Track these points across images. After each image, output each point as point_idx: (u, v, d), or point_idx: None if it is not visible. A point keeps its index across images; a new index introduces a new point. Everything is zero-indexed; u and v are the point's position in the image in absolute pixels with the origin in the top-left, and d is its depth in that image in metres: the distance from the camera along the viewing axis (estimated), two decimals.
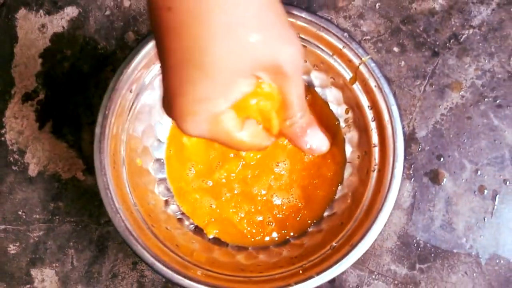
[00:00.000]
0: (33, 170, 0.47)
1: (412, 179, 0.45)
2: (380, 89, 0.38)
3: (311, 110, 0.44)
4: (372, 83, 0.38)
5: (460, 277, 0.44)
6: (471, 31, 0.46)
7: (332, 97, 0.43)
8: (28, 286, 0.46)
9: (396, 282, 0.44)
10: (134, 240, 0.36)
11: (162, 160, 0.44)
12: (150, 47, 0.39)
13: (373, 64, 0.38)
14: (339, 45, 0.38)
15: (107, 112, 0.38)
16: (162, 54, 0.23)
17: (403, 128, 0.38)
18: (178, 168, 0.44)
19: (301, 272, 0.37)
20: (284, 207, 0.43)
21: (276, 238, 0.43)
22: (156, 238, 0.38)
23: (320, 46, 0.40)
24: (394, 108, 0.38)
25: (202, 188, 0.44)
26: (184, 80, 0.23)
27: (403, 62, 0.46)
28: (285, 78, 0.24)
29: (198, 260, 0.39)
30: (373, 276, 0.44)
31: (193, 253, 0.40)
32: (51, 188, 0.47)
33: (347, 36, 0.38)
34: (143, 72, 0.40)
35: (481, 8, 0.46)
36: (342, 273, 0.44)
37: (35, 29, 0.50)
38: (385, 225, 0.37)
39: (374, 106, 0.39)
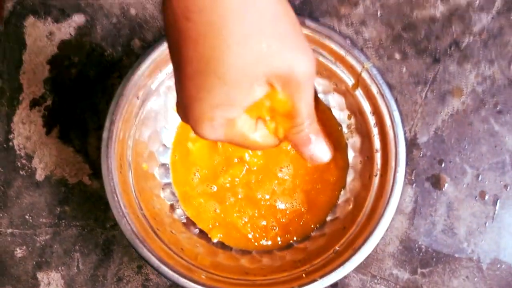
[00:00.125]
0: (40, 175, 0.48)
1: (414, 184, 0.45)
2: (382, 95, 0.38)
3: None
4: (374, 89, 0.39)
5: (462, 282, 0.44)
6: (471, 38, 0.47)
7: (335, 103, 0.44)
8: None
9: (398, 286, 0.44)
10: (140, 244, 0.37)
11: (167, 165, 0.45)
12: (156, 54, 0.40)
13: (375, 71, 0.39)
14: (342, 52, 0.39)
15: (114, 117, 0.39)
16: (179, 62, 0.24)
17: (404, 133, 0.38)
18: (183, 173, 0.45)
19: (304, 275, 0.37)
20: (288, 212, 0.44)
21: (280, 242, 0.43)
22: (161, 241, 0.39)
23: (323, 53, 0.40)
24: (396, 114, 0.38)
25: (207, 193, 0.44)
26: (200, 87, 0.23)
27: (404, 69, 0.47)
28: (297, 87, 0.24)
29: (203, 263, 0.39)
30: (375, 280, 0.44)
31: (197, 256, 0.40)
32: (58, 193, 0.48)
33: (349, 43, 0.39)
34: (150, 79, 0.41)
35: (481, 15, 0.47)
36: (345, 277, 0.44)
37: (43, 37, 0.50)
38: (387, 230, 0.37)
39: (376, 111, 0.39)
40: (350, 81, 0.40)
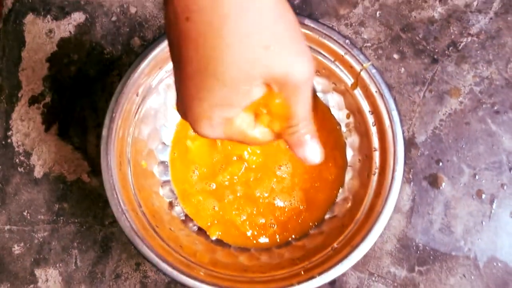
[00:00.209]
0: (38, 172, 0.48)
1: (412, 183, 0.46)
2: (381, 94, 0.39)
3: (313, 115, 0.45)
4: (373, 89, 0.39)
5: (459, 280, 0.44)
6: (469, 39, 0.47)
7: (334, 102, 0.44)
8: (32, 286, 0.47)
9: (395, 284, 0.45)
10: (139, 240, 0.37)
11: (166, 163, 0.45)
12: (156, 53, 0.40)
13: (374, 70, 0.39)
14: (341, 51, 0.39)
15: (114, 114, 0.39)
16: (179, 62, 0.24)
17: (403, 133, 0.39)
18: (182, 171, 0.45)
19: (302, 272, 0.37)
20: (286, 210, 0.44)
21: (278, 240, 0.43)
22: (160, 238, 0.39)
23: (323, 52, 0.41)
24: (395, 113, 0.38)
25: (206, 191, 0.44)
26: (200, 87, 0.24)
27: (403, 69, 0.47)
28: (293, 90, 0.24)
29: (201, 260, 0.39)
30: (373, 278, 0.45)
31: (196, 253, 0.40)
32: (56, 190, 0.48)
33: (349, 43, 0.39)
34: (149, 77, 0.41)
35: (479, 16, 0.48)
36: (343, 275, 0.44)
37: (43, 34, 0.51)
38: (385, 228, 0.38)
39: (375, 111, 0.40)
40: (349, 80, 0.41)
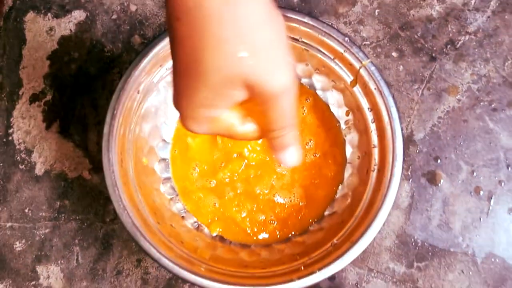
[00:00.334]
0: (39, 169, 0.48)
1: (410, 180, 0.46)
2: (380, 91, 0.39)
3: (312, 112, 0.45)
4: (372, 86, 0.40)
5: (457, 275, 0.45)
6: (467, 37, 0.48)
7: (333, 99, 0.44)
8: (33, 282, 0.47)
9: (394, 279, 0.45)
10: (140, 236, 0.37)
11: (167, 160, 0.45)
12: (157, 50, 0.40)
13: (373, 68, 0.39)
14: (340, 49, 0.40)
15: (115, 112, 0.39)
16: (173, 59, 0.25)
17: (401, 130, 0.39)
18: (182, 168, 0.45)
19: (302, 268, 0.38)
20: (286, 206, 0.44)
21: (278, 236, 0.44)
22: (161, 234, 0.39)
23: (322, 50, 0.41)
24: (394, 110, 0.39)
25: (206, 188, 0.45)
26: (187, 86, 0.24)
27: (401, 67, 0.48)
28: (269, 99, 0.24)
29: (202, 256, 0.40)
30: (372, 274, 0.45)
31: (197, 249, 0.41)
32: (58, 187, 0.48)
33: (348, 41, 0.39)
34: (150, 75, 0.41)
35: (476, 15, 0.48)
36: (342, 270, 0.45)
37: (43, 32, 0.51)
38: (384, 224, 0.38)
39: (374, 108, 0.40)
40: (348, 78, 0.41)
